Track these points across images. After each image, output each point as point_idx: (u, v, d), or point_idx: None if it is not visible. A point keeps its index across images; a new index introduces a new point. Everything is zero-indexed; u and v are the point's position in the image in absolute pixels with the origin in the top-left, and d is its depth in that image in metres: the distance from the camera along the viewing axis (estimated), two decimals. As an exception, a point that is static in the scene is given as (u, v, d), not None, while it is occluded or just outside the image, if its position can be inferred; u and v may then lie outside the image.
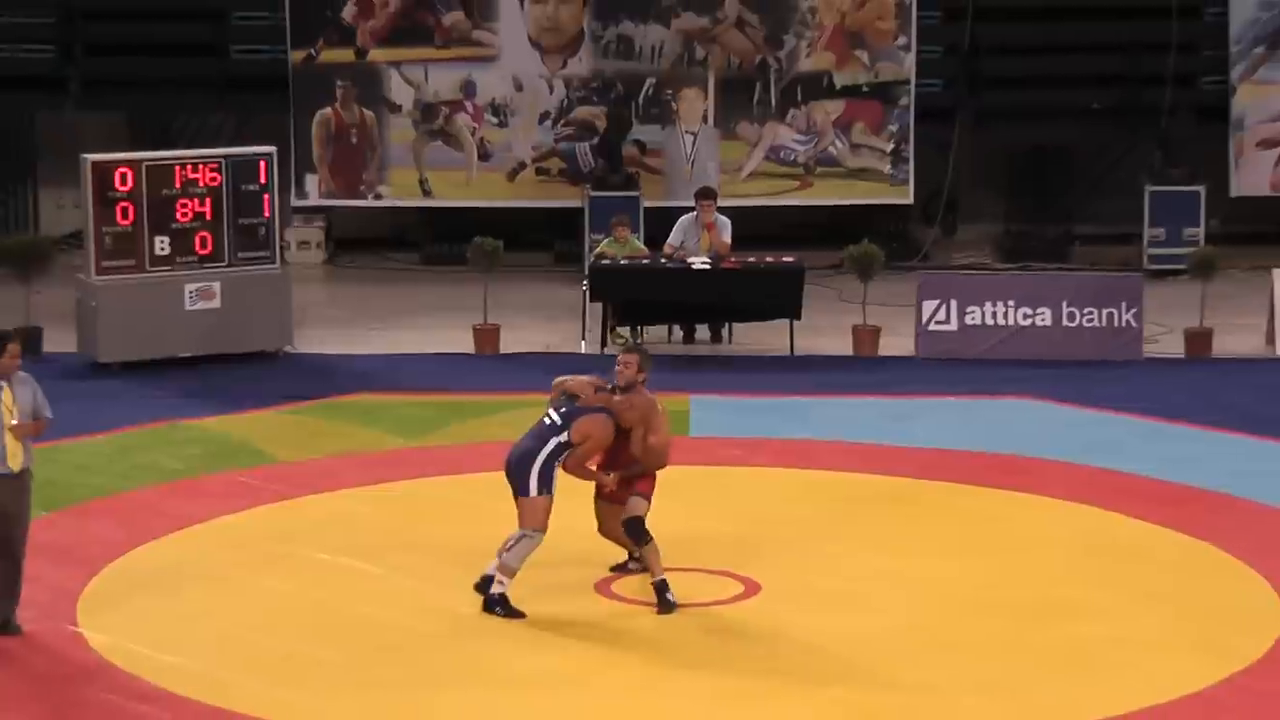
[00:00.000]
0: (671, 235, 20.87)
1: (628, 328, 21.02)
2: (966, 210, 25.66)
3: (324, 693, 12.00)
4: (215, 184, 19.86)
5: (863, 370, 19.84)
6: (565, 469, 13.36)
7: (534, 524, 13.21)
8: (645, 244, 21.56)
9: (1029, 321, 20.33)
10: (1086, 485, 15.92)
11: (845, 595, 13.50)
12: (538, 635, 12.88)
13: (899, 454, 16.78)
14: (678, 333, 21.22)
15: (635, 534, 13.36)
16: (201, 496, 15.63)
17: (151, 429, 17.57)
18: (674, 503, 15.13)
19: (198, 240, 19.85)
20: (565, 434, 13.31)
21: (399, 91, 24.37)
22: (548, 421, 13.41)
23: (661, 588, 13.22)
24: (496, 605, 13.11)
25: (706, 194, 21.10)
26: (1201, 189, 23.88)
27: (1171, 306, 21.22)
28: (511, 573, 13.16)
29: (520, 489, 13.30)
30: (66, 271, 20.88)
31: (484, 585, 13.30)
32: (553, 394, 13.66)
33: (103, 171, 19.62)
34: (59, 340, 20.10)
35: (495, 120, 24.39)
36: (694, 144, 24.44)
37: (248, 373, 19.58)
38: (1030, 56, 25.06)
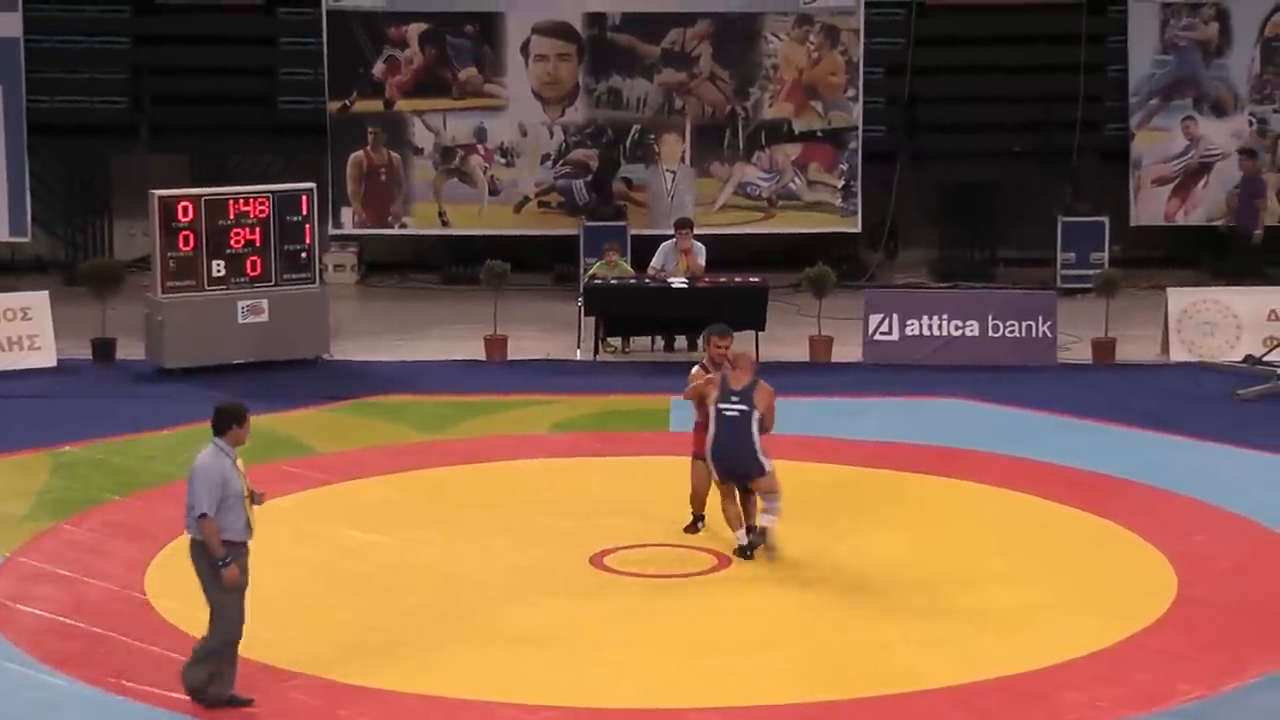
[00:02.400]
0: (654, 259, 20.82)
1: (617, 338, 20.98)
2: (906, 237, 25.63)
3: (357, 650, 11.96)
4: (264, 215, 19.80)
5: (818, 374, 19.81)
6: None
7: (777, 488, 13.53)
8: (632, 266, 21.51)
9: (959, 332, 20.29)
10: (1008, 472, 15.90)
11: (802, 567, 13.47)
12: (541, 601, 12.84)
13: (849, 446, 16.76)
14: (660, 343, 21.17)
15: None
16: (253, 483, 15.49)
17: (208, 425, 17.47)
18: (659, 490, 15.13)
19: (249, 264, 19.78)
20: (754, 411, 13.47)
21: (421, 136, 24.31)
22: (733, 414, 13.44)
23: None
24: (760, 542, 13.44)
25: (684, 223, 21.06)
26: (1105, 219, 23.86)
27: (1080, 320, 21.21)
28: (779, 513, 13.49)
29: (755, 471, 13.51)
30: (136, 291, 20.81)
31: (747, 551, 13.42)
32: (694, 398, 13.76)
33: (167, 205, 19.55)
34: (130, 349, 20.04)
35: (503, 161, 24.34)
36: (673, 181, 24.40)
37: (291, 377, 19.53)
38: (961, 105, 25.05)
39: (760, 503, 13.69)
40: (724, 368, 13.86)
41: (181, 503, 14.64)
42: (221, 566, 11.04)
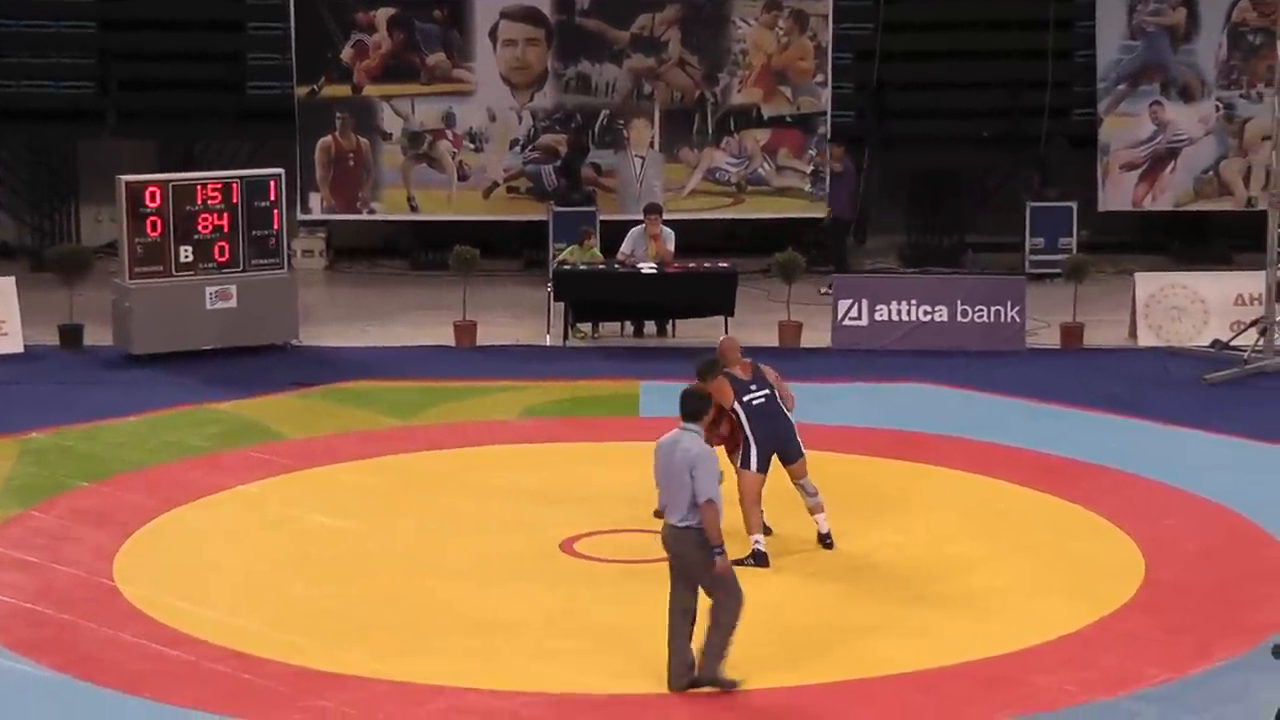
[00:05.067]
0: (623, 244, 20.81)
1: (587, 323, 20.96)
2: (875, 223, 25.66)
3: (327, 636, 11.94)
4: (232, 201, 19.73)
5: (787, 359, 19.77)
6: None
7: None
8: (601, 252, 21.49)
9: (928, 318, 20.32)
10: (977, 457, 15.94)
11: (771, 552, 13.47)
12: (511, 587, 12.83)
13: (817, 431, 16.74)
14: (629, 328, 21.17)
15: None
16: (220, 469, 15.54)
17: (177, 411, 17.46)
18: (629, 475, 15.12)
19: (217, 249, 19.72)
20: (774, 389, 13.49)
21: (390, 122, 24.25)
22: (760, 400, 13.40)
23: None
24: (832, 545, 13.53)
25: (653, 209, 21.05)
26: (1073, 205, 23.92)
27: (1049, 305, 21.26)
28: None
29: (799, 450, 13.50)
30: (104, 276, 20.73)
31: (764, 559, 13.23)
32: (734, 368, 13.58)
33: (135, 190, 19.46)
34: (98, 335, 19.96)
35: (472, 146, 24.29)
36: (642, 166, 24.38)
37: (260, 363, 19.47)
38: (929, 92, 25.09)
39: (807, 502, 13.58)
40: (731, 369, 13.53)
41: (152, 489, 14.56)
42: (718, 555, 10.94)
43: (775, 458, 13.46)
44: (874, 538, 13.85)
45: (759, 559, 13.32)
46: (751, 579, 12.84)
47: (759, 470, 13.38)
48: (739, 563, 13.32)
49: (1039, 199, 24.04)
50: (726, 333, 20.05)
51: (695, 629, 11.10)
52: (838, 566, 13.23)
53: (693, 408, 11.27)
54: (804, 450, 13.61)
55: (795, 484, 13.65)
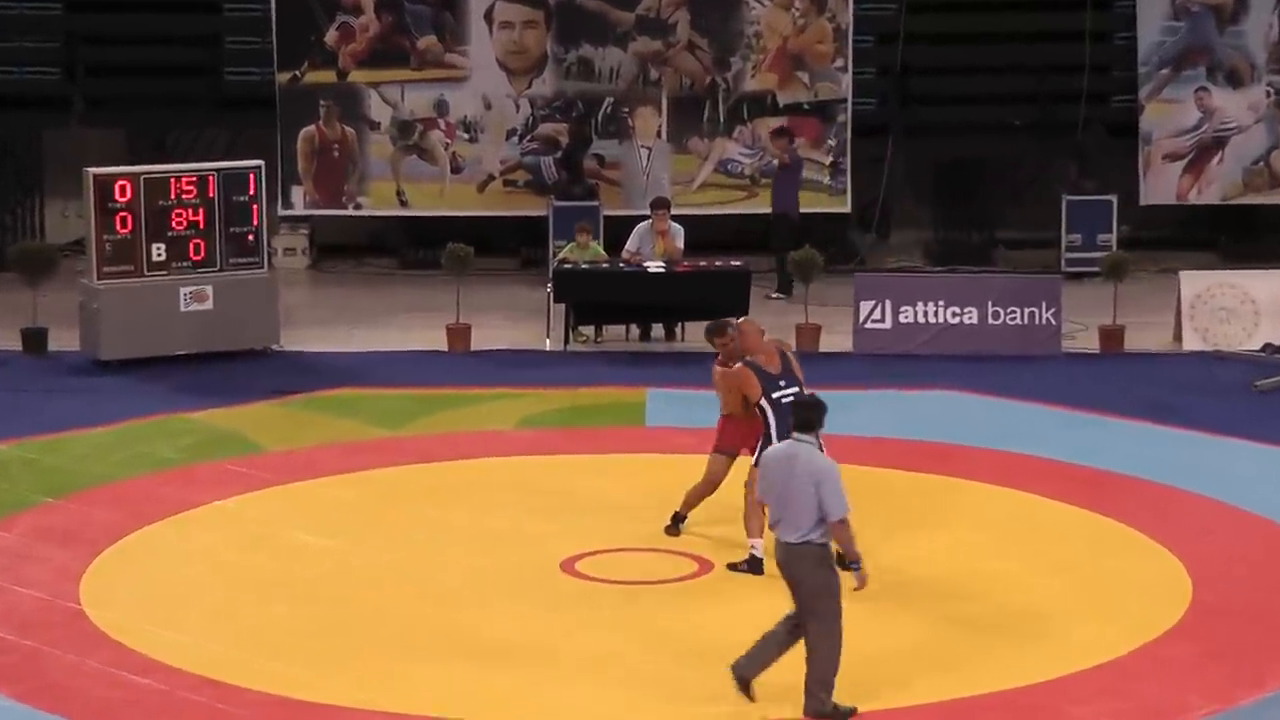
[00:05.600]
0: (629, 241, 20.83)
1: (589, 326, 20.97)
2: (899, 218, 25.66)
3: (309, 664, 11.94)
4: (208, 195, 19.75)
5: (805, 364, 19.71)
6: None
7: None
8: (605, 250, 21.51)
9: (956, 320, 20.32)
10: (1009, 470, 15.93)
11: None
12: (508, 610, 12.83)
13: (838, 442, 16.64)
14: (635, 331, 21.17)
15: None
16: (195, 483, 15.55)
17: (149, 421, 17.48)
18: (634, 489, 15.13)
19: (192, 247, 19.74)
20: (803, 387, 13.52)
21: (378, 110, 24.28)
22: (790, 400, 13.22)
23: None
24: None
25: (661, 204, 21.06)
26: (1113, 198, 23.92)
27: (1087, 306, 21.25)
28: None
29: None
30: (70, 276, 20.76)
31: (760, 567, 13.28)
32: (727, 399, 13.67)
33: (104, 184, 19.49)
34: (64, 339, 19.98)
35: (466, 136, 24.32)
36: (649, 158, 24.39)
37: (238, 369, 19.48)
38: (956, 77, 25.08)
39: None
40: (755, 356, 13.63)
41: (122, 505, 14.56)
42: (857, 569, 11.04)
43: None
44: (897, 556, 13.84)
45: (754, 565, 13.39)
46: (767, 599, 12.84)
47: None
48: (733, 567, 13.39)
49: (1076, 192, 24.03)
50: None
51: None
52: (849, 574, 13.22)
53: (806, 418, 11.32)
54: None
55: None
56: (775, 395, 13.50)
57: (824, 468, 11.07)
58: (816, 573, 10.99)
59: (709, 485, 14.06)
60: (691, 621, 12.66)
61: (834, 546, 11.17)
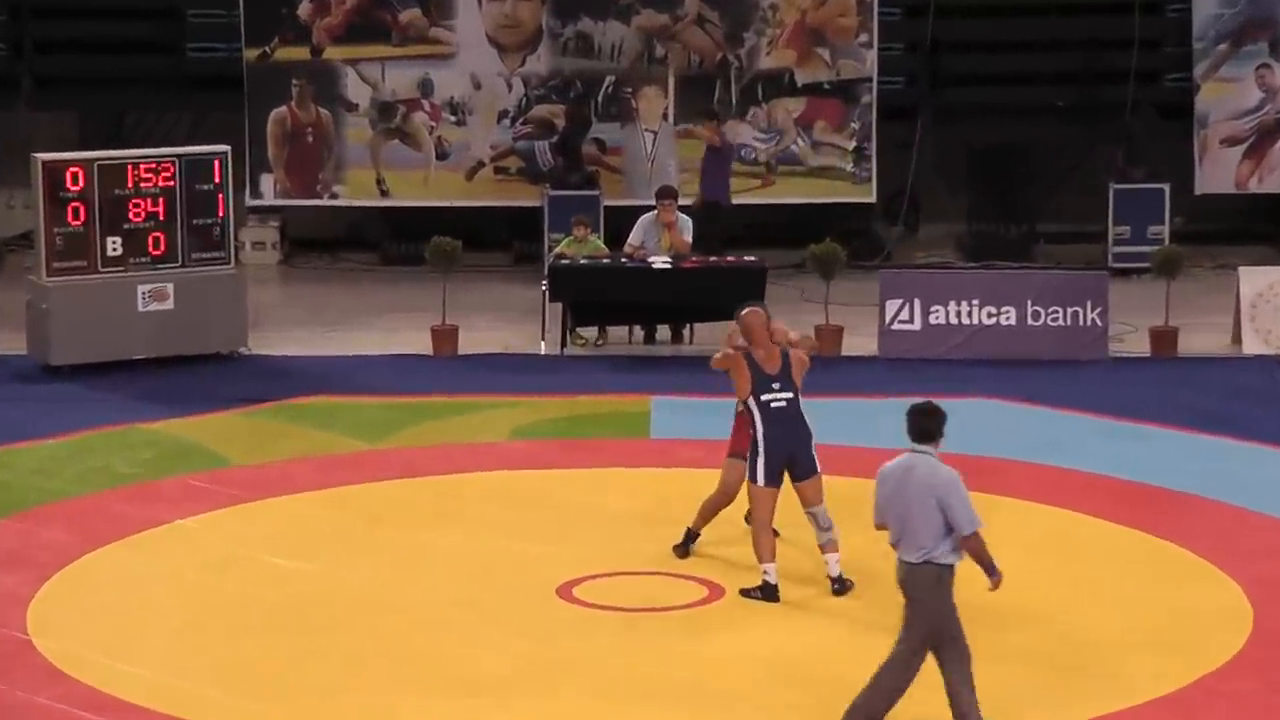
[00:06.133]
0: (632, 235, 20.81)
1: (589, 328, 20.95)
2: (929, 208, 25.64)
3: (283, 700, 11.91)
4: (169, 184, 19.75)
5: (825, 370, 19.75)
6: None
7: (823, 500, 13.69)
8: (605, 244, 21.49)
9: (993, 320, 20.31)
10: (1050, 485, 15.91)
11: (808, 599, 13.45)
12: (500, 641, 12.81)
13: (861, 455, 16.71)
14: (638, 333, 21.16)
15: None
16: (156, 501, 15.53)
17: (104, 433, 17.46)
18: (636, 507, 15.09)
19: (151, 241, 19.73)
20: (799, 393, 13.64)
21: (355, 90, 24.27)
22: (780, 403, 13.48)
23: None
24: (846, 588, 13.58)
25: (667, 193, 21.04)
26: (1165, 187, 23.89)
27: (1136, 305, 21.23)
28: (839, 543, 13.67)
29: (813, 466, 13.61)
30: (17, 273, 20.77)
31: (773, 593, 13.40)
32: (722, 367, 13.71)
33: (54, 171, 19.48)
34: (9, 342, 19.99)
35: (453, 119, 24.31)
36: (654, 142, 24.39)
37: (202, 375, 19.47)
38: (992, 53, 25.06)
39: (819, 537, 13.63)
40: (755, 350, 13.62)
41: (74, 525, 14.53)
42: (996, 577, 11.19)
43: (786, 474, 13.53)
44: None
45: (768, 593, 13.40)
46: (783, 629, 12.81)
47: (769, 483, 13.48)
48: (745, 594, 13.37)
49: (1124, 180, 24.01)
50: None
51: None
52: (881, 615, 13.18)
53: (925, 426, 11.41)
54: (819, 469, 13.58)
55: (806, 512, 13.72)
56: (765, 397, 13.54)
57: (946, 480, 11.18)
58: (937, 593, 11.11)
59: (725, 496, 14.05)
60: (702, 653, 12.64)
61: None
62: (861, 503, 15.40)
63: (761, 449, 13.48)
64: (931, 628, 11.16)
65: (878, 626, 12.96)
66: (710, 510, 14.11)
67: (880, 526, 11.44)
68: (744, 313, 13.84)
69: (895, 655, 11.25)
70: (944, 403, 18.33)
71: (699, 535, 14.15)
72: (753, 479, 13.52)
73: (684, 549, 14.13)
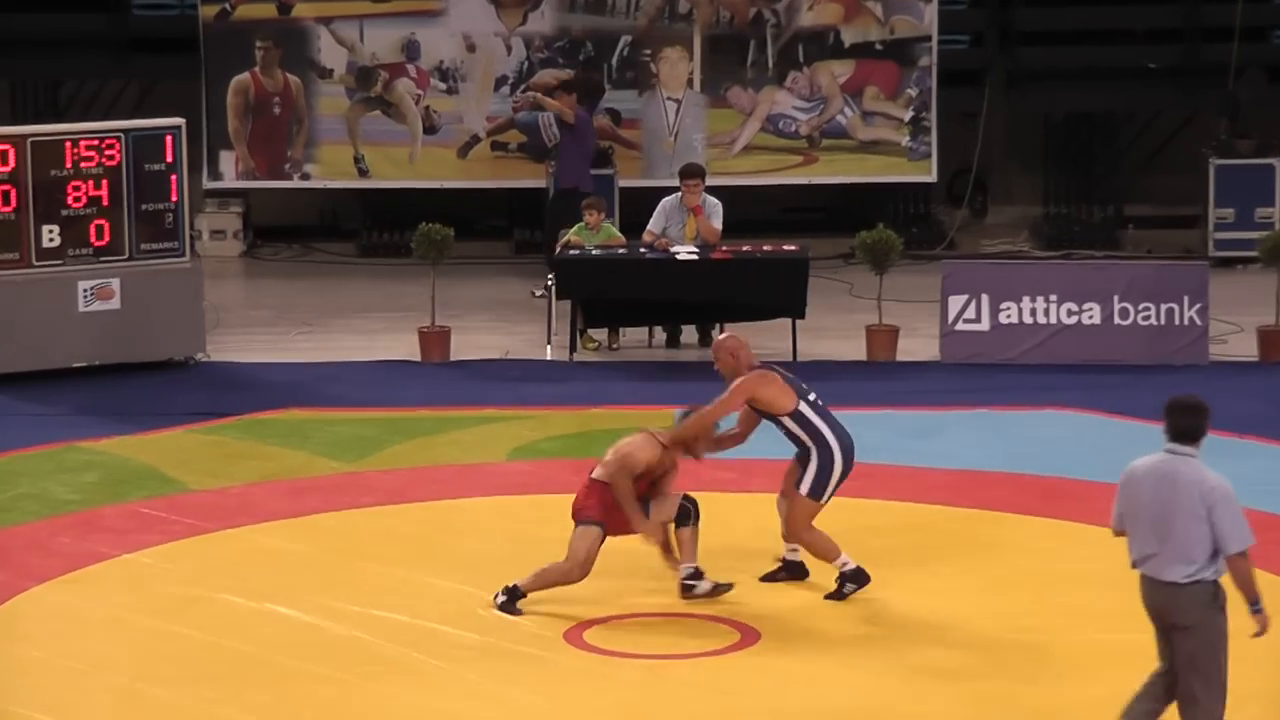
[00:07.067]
0: (652, 221, 20.87)
1: (602, 330, 21.01)
2: (999, 189, 25.69)
3: (244, 762, 11.98)
4: (113, 163, 19.82)
5: (877, 378, 19.84)
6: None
7: None
8: (621, 231, 21.56)
9: (1073, 319, 20.34)
10: (1141, 511, 15.91)
11: (857, 643, 13.48)
12: (499, 693, 12.86)
13: (919, 476, 16.79)
14: (660, 335, 21.22)
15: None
16: (99, 531, 15.58)
17: (39, 453, 17.53)
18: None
19: (93, 230, 19.82)
20: None
21: (329, 53, 24.36)
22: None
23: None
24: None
25: (692, 172, 21.08)
26: (1275, 162, 23.93)
27: (1242, 300, 21.25)
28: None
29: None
30: (-62, 267, 20.82)
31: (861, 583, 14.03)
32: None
33: (-20, 149, 19.59)
34: (-71, 348, 20.05)
35: (443, 87, 24.39)
36: (677, 113, 24.45)
37: (153, 385, 19.54)
38: (1072, 7, 25.10)
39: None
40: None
41: (4, 560, 14.56)
42: (1257, 612, 11.11)
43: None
44: (998, 621, 13.85)
45: (857, 577, 14.01)
46: (828, 677, 12.85)
47: (823, 499, 14.00)
48: (838, 596, 13.74)
49: (1227, 155, 24.04)
50: (794, 340, 20.12)
51: None
52: (943, 658, 13.24)
53: (1190, 425, 11.45)
54: None
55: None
56: (812, 396, 14.04)
57: (1217, 487, 11.20)
58: (1211, 617, 11.06)
59: (573, 571, 14.00)
60: (733, 707, 12.68)
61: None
62: (922, 531, 15.53)
63: (838, 456, 13.86)
64: (1195, 655, 11.08)
65: (933, 673, 13.01)
66: (550, 579, 14.05)
67: (1121, 533, 11.41)
68: (725, 337, 14.51)
69: (1192, 687, 11.16)
70: (1016, 415, 18.54)
71: (524, 596, 14.02)
72: (817, 495, 13.89)
73: (510, 606, 13.99)
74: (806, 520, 14.03)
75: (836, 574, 14.07)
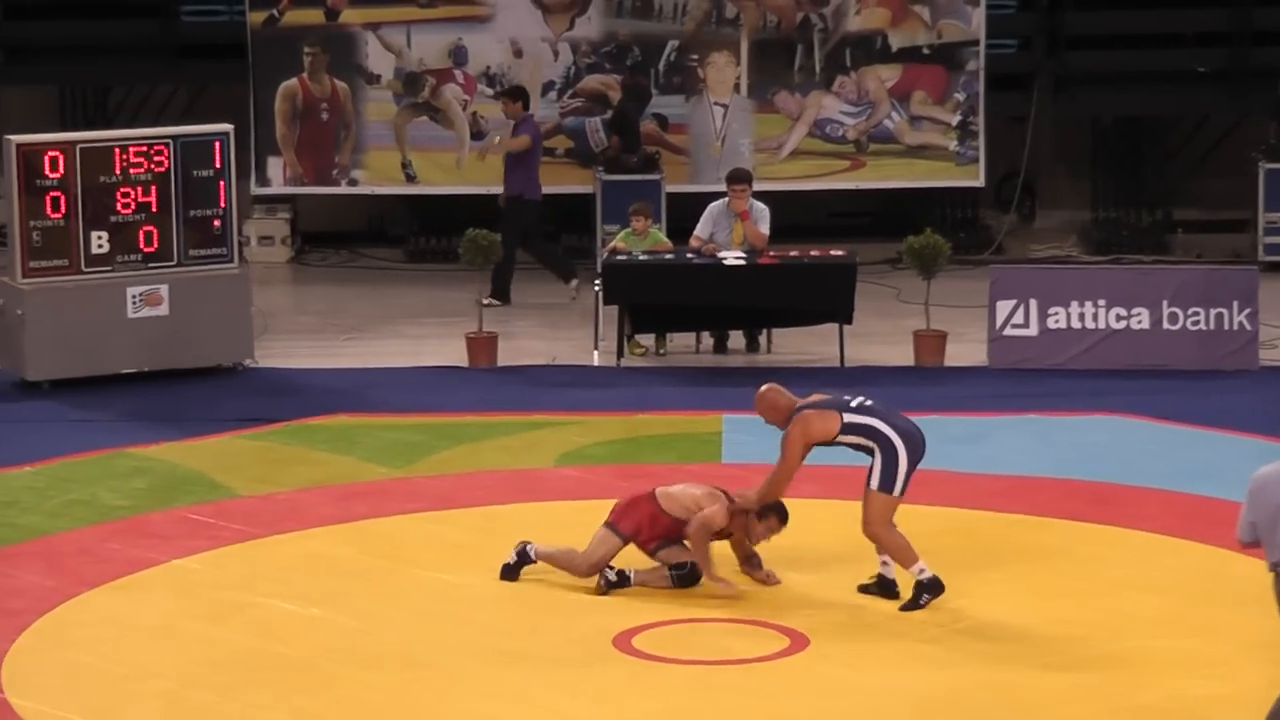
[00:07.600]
0: (699, 226, 20.85)
1: (649, 335, 21.00)
2: (1047, 194, 25.62)
3: (292, 768, 12.00)
4: (162, 169, 19.86)
5: (925, 383, 19.80)
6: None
7: None
8: (668, 236, 21.54)
9: (1122, 324, 20.28)
10: (1190, 518, 15.86)
11: (907, 649, 13.46)
12: (548, 700, 12.85)
13: (968, 482, 16.75)
14: (707, 341, 21.20)
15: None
16: (147, 538, 15.62)
17: (88, 459, 17.55)
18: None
19: (142, 236, 19.86)
20: None
21: (377, 59, 24.38)
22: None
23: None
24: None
25: (739, 177, 21.06)
26: (1326, 166, 23.86)
27: (1292, 306, 21.22)
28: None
29: None
30: (-13, 274, 20.89)
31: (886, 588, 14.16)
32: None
33: (30, 155, 19.61)
34: (-21, 355, 20.12)
35: (490, 92, 24.40)
36: (724, 118, 24.43)
37: (201, 391, 19.57)
38: (1120, 11, 25.02)
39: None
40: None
41: (54, 566, 14.60)
42: None
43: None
44: (1048, 628, 13.81)
45: (932, 587, 13.98)
46: (879, 684, 12.82)
47: (895, 490, 14.06)
48: (914, 606, 13.88)
49: (1276, 159, 23.96)
50: (841, 346, 20.09)
51: None
52: (996, 666, 13.20)
53: None
54: None
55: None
56: (854, 403, 14.20)
57: None
58: None
59: (581, 566, 14.43)
60: (787, 713, 12.66)
61: None
62: (970, 536, 15.49)
63: (900, 445, 14.02)
64: None
65: (980, 681, 12.98)
66: (560, 562, 14.52)
67: (1252, 543, 11.38)
68: (768, 388, 14.54)
69: None
70: (1064, 420, 18.49)
71: (533, 563, 14.54)
72: (888, 488, 14.02)
73: (513, 572, 14.55)
74: (882, 517, 14.04)
75: (913, 582, 14.03)
